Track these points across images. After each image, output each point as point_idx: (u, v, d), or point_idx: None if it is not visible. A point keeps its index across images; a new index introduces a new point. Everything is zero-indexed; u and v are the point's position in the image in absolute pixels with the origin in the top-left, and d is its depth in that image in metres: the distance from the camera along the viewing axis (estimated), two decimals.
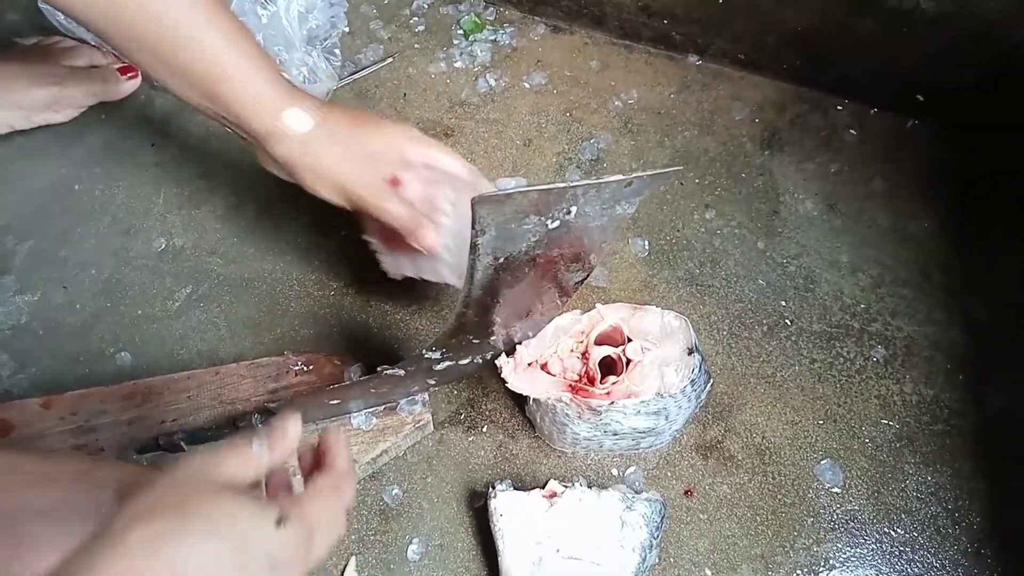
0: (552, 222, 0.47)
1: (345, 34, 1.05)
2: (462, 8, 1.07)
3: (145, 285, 0.87)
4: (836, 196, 0.93)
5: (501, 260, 0.50)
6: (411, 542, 0.74)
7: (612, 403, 0.67)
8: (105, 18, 0.61)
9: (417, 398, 0.75)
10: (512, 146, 0.96)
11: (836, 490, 0.77)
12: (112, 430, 0.74)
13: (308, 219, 0.91)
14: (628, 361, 0.69)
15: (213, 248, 0.90)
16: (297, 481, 0.56)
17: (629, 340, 0.70)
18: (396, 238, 0.70)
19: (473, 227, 0.44)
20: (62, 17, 0.96)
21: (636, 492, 0.71)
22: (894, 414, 0.80)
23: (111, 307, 0.86)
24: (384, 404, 0.75)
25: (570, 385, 0.69)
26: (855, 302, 0.86)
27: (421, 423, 0.75)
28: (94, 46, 0.98)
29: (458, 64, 1.03)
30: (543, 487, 0.71)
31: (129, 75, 0.97)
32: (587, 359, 0.70)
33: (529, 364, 0.70)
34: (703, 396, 0.71)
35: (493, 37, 1.04)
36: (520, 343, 0.70)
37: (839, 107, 1.00)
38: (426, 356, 0.62)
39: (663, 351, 0.69)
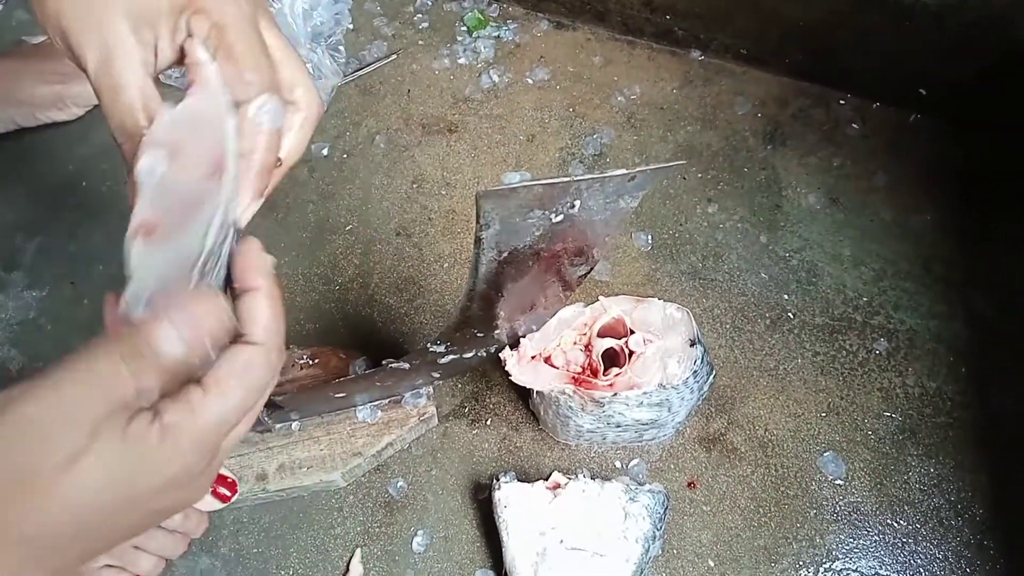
0: (556, 216, 0.47)
1: (349, 31, 1.06)
2: (465, 5, 1.07)
3: None
4: (838, 190, 0.93)
5: (505, 254, 0.50)
6: (416, 534, 0.75)
7: (615, 394, 0.67)
8: None
9: (422, 391, 0.76)
10: (515, 141, 0.96)
11: (839, 482, 0.77)
12: None
13: (313, 214, 0.91)
14: (631, 353, 0.69)
15: None
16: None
17: (632, 332, 0.70)
18: None
19: (478, 221, 0.44)
20: None
21: (639, 484, 0.72)
22: (896, 406, 0.81)
23: None
24: (389, 397, 0.76)
25: (573, 377, 0.69)
26: (857, 295, 0.87)
27: (426, 416, 0.76)
28: None
29: (462, 60, 1.04)
30: (547, 479, 0.71)
31: None
32: (590, 351, 0.70)
33: (533, 357, 0.70)
34: (706, 388, 0.72)
35: (496, 33, 1.05)
36: (524, 336, 0.70)
37: (841, 101, 1.00)
38: (430, 350, 0.63)
39: (665, 343, 0.70)
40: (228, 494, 0.69)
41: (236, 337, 0.39)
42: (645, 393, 0.67)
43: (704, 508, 0.76)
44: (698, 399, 0.73)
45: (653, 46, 1.04)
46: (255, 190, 0.44)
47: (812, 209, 0.92)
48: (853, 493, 0.77)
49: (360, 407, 0.75)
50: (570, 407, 0.70)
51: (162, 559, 0.69)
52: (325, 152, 0.97)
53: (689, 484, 0.77)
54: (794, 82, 1.01)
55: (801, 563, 0.74)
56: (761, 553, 0.74)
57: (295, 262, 0.89)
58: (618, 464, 0.78)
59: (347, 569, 0.73)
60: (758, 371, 0.83)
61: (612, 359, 0.71)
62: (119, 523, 0.36)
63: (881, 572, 0.73)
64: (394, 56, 1.04)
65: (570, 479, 0.70)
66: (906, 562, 0.74)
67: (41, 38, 0.99)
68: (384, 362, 0.65)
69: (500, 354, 0.70)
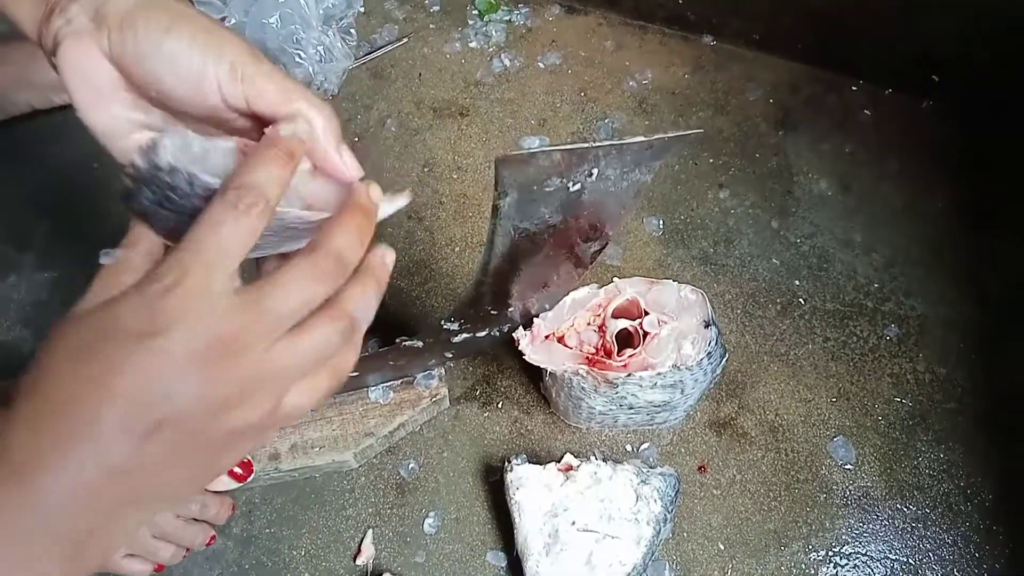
0: (573, 185, 0.47)
1: (361, 14, 1.06)
2: None
3: None
4: (850, 176, 0.93)
5: (522, 225, 0.50)
6: (427, 515, 0.75)
7: (629, 375, 0.67)
8: None
9: (434, 373, 0.76)
10: (527, 126, 0.96)
11: (849, 467, 0.77)
12: None
13: None
14: (645, 334, 0.69)
15: None
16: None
17: (646, 313, 0.70)
18: None
19: (496, 188, 0.44)
20: None
21: (651, 467, 0.72)
22: (907, 392, 0.81)
23: None
24: (401, 378, 0.76)
25: (587, 358, 0.69)
26: (868, 281, 0.87)
27: (438, 397, 0.76)
28: None
29: (473, 44, 1.04)
30: (559, 461, 0.71)
31: None
32: (604, 332, 0.70)
33: (546, 337, 0.71)
34: (718, 370, 0.72)
35: (508, 17, 1.05)
36: (536, 316, 0.71)
37: (853, 88, 1.00)
38: (444, 327, 0.63)
39: (680, 324, 0.70)
40: (243, 473, 0.69)
41: None
42: (659, 374, 0.67)
43: (714, 492, 0.76)
44: (711, 382, 0.73)
45: (665, 31, 1.04)
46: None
47: (823, 195, 0.92)
48: (863, 478, 0.77)
49: (372, 388, 0.75)
50: (583, 388, 0.70)
51: (182, 548, 0.69)
52: None
53: (699, 468, 0.77)
54: (806, 68, 1.01)
55: (811, 547, 0.74)
56: (771, 537, 0.74)
57: None
58: (629, 448, 0.78)
59: (359, 550, 0.73)
60: (769, 356, 0.83)
61: (626, 340, 0.71)
62: (196, 417, 0.34)
63: (890, 556, 0.74)
64: (405, 40, 1.04)
65: (582, 461, 0.71)
66: (915, 547, 0.74)
67: None
68: (397, 340, 0.65)
69: (513, 333, 0.70)
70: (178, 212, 0.36)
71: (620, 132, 0.96)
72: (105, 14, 0.41)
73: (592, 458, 0.71)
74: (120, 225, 0.91)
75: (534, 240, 0.53)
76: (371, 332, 0.80)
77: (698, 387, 0.71)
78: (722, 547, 0.74)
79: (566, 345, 0.70)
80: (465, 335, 0.66)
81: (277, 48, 0.94)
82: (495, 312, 0.65)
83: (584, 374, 0.69)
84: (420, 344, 0.65)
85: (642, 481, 0.69)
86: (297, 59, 0.95)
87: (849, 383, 0.81)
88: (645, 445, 0.78)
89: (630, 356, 0.69)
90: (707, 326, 0.70)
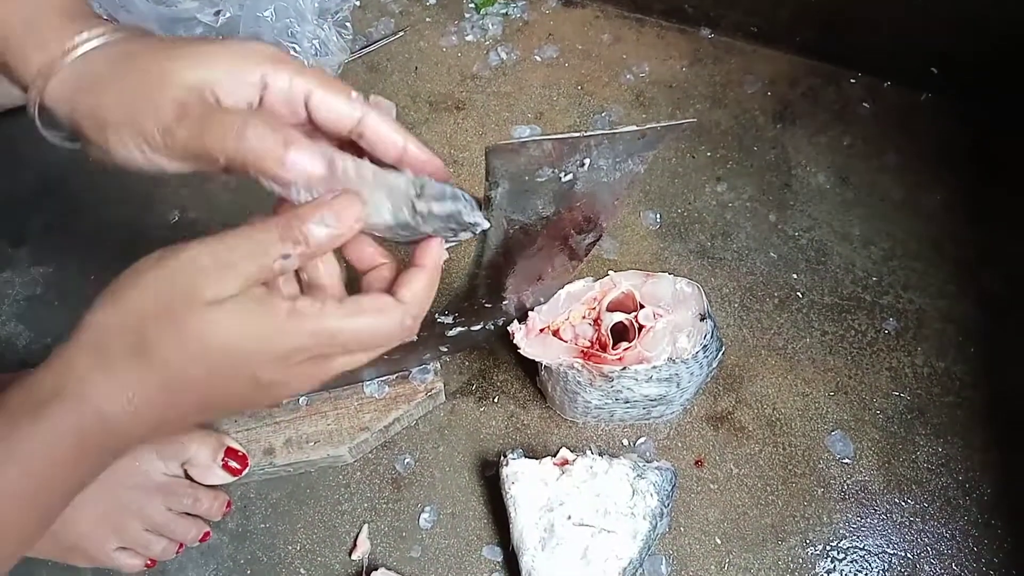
0: (565, 175, 0.47)
1: (356, 7, 1.05)
2: None
3: None
4: (848, 169, 0.93)
5: (514, 216, 0.50)
6: (423, 510, 0.75)
7: (624, 368, 0.67)
8: None
9: (429, 367, 0.76)
10: (523, 119, 0.95)
11: (847, 461, 0.77)
12: None
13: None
14: (640, 327, 0.69)
15: (225, 221, 0.89)
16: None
17: (641, 306, 0.70)
18: None
19: (487, 179, 0.44)
20: None
21: (647, 461, 0.72)
22: (905, 386, 0.80)
23: None
24: (396, 373, 0.76)
25: (582, 351, 0.69)
26: (867, 275, 0.86)
27: (433, 392, 0.76)
28: (106, 19, 0.97)
29: (469, 37, 1.03)
30: (554, 456, 0.71)
31: None
32: (599, 325, 0.70)
33: (541, 330, 0.70)
34: (715, 364, 0.71)
35: (504, 10, 1.04)
36: (531, 309, 0.70)
37: (852, 80, 0.99)
38: (438, 320, 0.63)
39: (675, 317, 0.69)
40: (238, 467, 0.69)
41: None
42: (654, 367, 0.67)
43: (711, 486, 0.76)
44: (707, 375, 0.72)
45: (662, 24, 1.03)
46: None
47: (822, 188, 0.92)
48: (861, 472, 0.76)
49: (367, 382, 0.75)
50: (578, 382, 0.70)
51: (174, 543, 0.69)
52: None
53: (696, 462, 0.77)
54: (804, 61, 1.00)
55: (808, 541, 0.73)
56: (768, 531, 0.74)
57: None
58: (625, 442, 0.78)
59: (354, 545, 0.73)
60: (766, 350, 0.82)
61: (621, 334, 0.71)
62: (229, 380, 0.40)
63: (888, 551, 0.73)
64: (401, 33, 1.04)
65: (578, 456, 0.70)
66: (913, 541, 0.74)
67: None
68: None
69: (508, 327, 0.70)
70: None
71: (617, 125, 0.96)
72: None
73: (588, 452, 0.71)
74: (113, 220, 0.90)
75: (527, 232, 0.53)
76: None
77: (694, 381, 0.71)
78: (719, 541, 0.74)
79: (561, 339, 0.70)
80: (460, 329, 0.66)
81: (272, 42, 0.94)
82: (490, 305, 0.64)
83: (579, 368, 0.68)
84: (415, 338, 0.65)
85: (638, 475, 0.69)
86: (292, 53, 0.94)
87: (847, 377, 0.81)
88: (642, 439, 0.77)
89: (625, 349, 0.68)
90: (703, 319, 0.69)
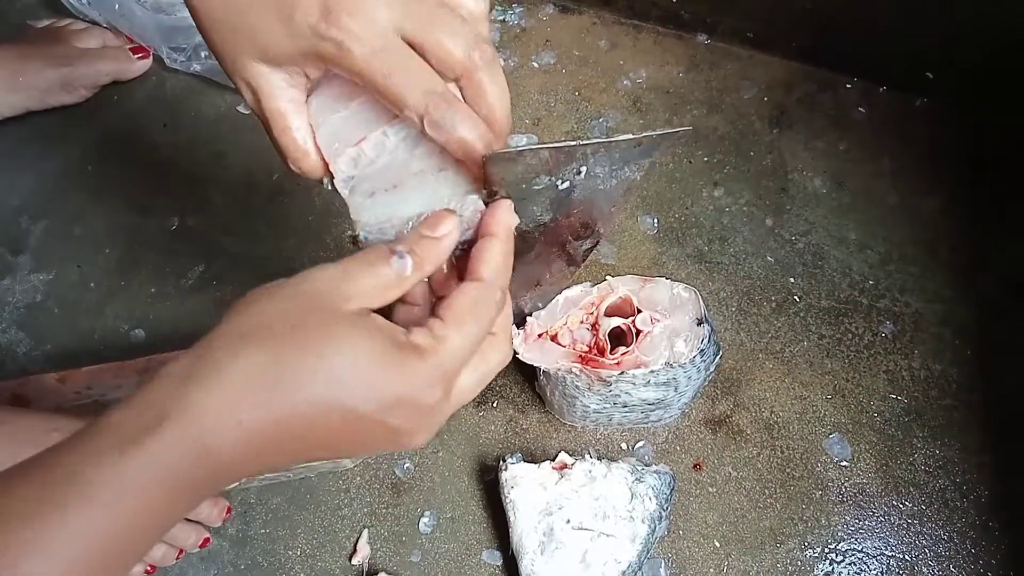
0: (563, 183, 0.47)
1: None
2: None
3: (158, 264, 0.88)
4: (844, 174, 0.93)
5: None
6: (423, 515, 0.75)
7: (622, 373, 0.67)
8: None
9: None
10: (521, 125, 0.96)
11: (844, 464, 0.77)
12: None
13: (319, 198, 0.91)
14: (638, 332, 0.69)
15: (225, 227, 0.90)
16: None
17: (639, 311, 0.70)
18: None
19: (484, 187, 0.44)
20: None
21: (645, 465, 0.72)
22: (902, 389, 0.81)
23: (125, 285, 0.87)
24: None
25: (580, 356, 0.69)
26: (863, 278, 0.87)
27: None
28: (106, 27, 0.98)
29: None
30: (553, 460, 0.71)
31: (140, 55, 0.97)
32: (597, 330, 0.70)
33: (539, 335, 0.71)
34: (712, 368, 0.72)
35: (502, 17, 1.05)
36: (529, 314, 0.71)
37: (848, 86, 1.00)
38: None
39: (673, 322, 0.70)
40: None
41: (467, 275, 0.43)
42: (652, 372, 0.67)
43: (710, 489, 0.76)
44: (705, 379, 0.73)
45: (659, 30, 1.04)
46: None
47: (818, 193, 0.92)
48: (859, 475, 0.77)
49: None
50: (577, 386, 0.70)
51: (174, 548, 0.69)
52: None
53: (695, 466, 0.77)
54: (800, 66, 1.01)
55: (807, 544, 0.74)
56: (767, 534, 0.74)
57: (300, 246, 0.89)
58: (624, 446, 0.78)
59: (354, 550, 0.73)
60: (764, 353, 0.83)
61: (619, 339, 0.71)
62: (339, 420, 0.38)
63: (886, 553, 0.73)
64: None
65: (576, 460, 0.71)
66: (911, 543, 0.74)
67: (46, 22, 0.99)
68: None
69: None
70: None
71: (614, 131, 0.96)
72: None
73: (587, 456, 0.71)
74: (113, 227, 0.91)
75: (525, 238, 0.53)
76: None
77: (692, 385, 0.71)
78: (718, 544, 0.74)
79: (559, 343, 0.70)
80: None
81: None
82: None
83: (577, 372, 0.69)
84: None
85: (637, 479, 0.69)
86: None
87: (844, 380, 0.81)
88: (640, 443, 0.78)
89: (623, 354, 0.69)
90: (700, 324, 0.70)
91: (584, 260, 0.65)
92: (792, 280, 0.87)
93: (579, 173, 0.47)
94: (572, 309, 0.72)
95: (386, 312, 0.42)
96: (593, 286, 0.73)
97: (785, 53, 1.01)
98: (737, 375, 0.81)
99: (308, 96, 0.47)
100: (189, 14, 0.45)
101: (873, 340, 0.83)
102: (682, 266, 0.87)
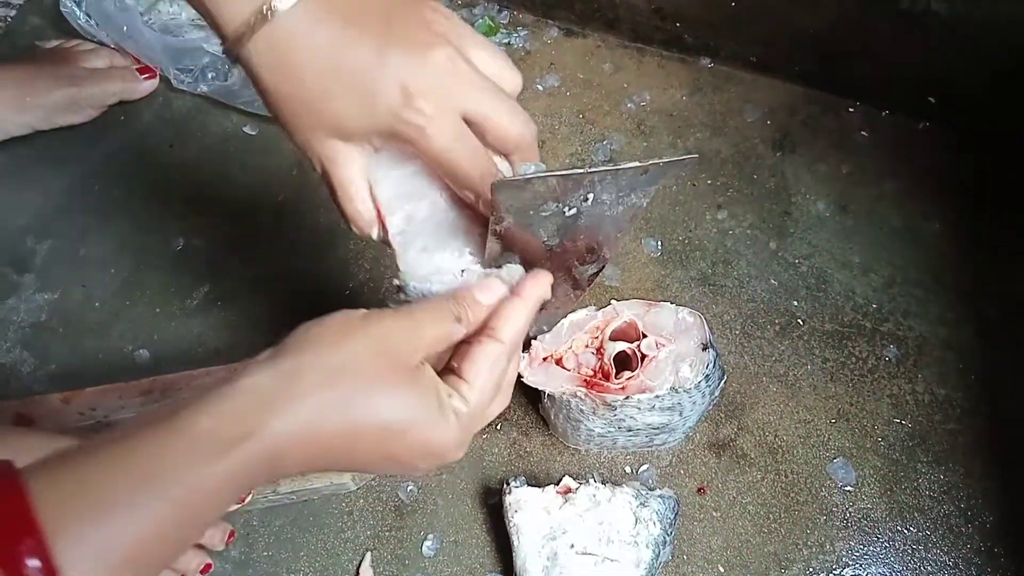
0: (569, 210, 0.48)
1: None
2: (476, 12, 1.08)
3: (163, 284, 0.88)
4: (848, 197, 0.94)
5: (518, 248, 0.50)
6: (426, 538, 0.75)
7: (627, 397, 0.67)
8: None
9: None
10: None
11: (849, 488, 0.77)
12: None
13: (324, 218, 0.92)
14: (643, 356, 0.69)
15: (230, 247, 0.91)
16: None
17: (644, 336, 0.71)
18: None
19: (492, 214, 0.45)
20: (83, 20, 0.97)
21: (650, 489, 0.72)
22: (906, 413, 0.81)
23: (130, 305, 0.87)
24: None
25: (585, 380, 0.69)
26: (867, 302, 0.87)
27: None
28: (113, 48, 0.99)
29: None
30: (557, 484, 0.71)
31: (147, 75, 0.98)
32: (602, 354, 0.70)
33: (544, 359, 0.71)
34: (717, 392, 0.72)
35: (507, 40, 1.05)
36: (535, 338, 0.71)
37: (851, 109, 1.00)
38: None
39: (678, 347, 0.70)
40: (243, 495, 0.69)
41: (484, 329, 0.47)
42: (657, 396, 0.67)
43: (714, 514, 0.76)
44: (709, 403, 0.73)
45: (663, 53, 1.05)
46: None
47: (821, 216, 0.92)
48: (863, 500, 0.77)
49: None
50: (581, 410, 0.70)
51: (176, 573, 0.69)
52: None
53: (699, 490, 0.77)
54: (803, 90, 1.01)
55: (811, 569, 0.73)
56: (771, 559, 0.74)
57: (305, 265, 0.89)
58: (628, 469, 0.78)
59: (357, 573, 0.73)
60: (768, 377, 0.83)
61: (624, 363, 0.71)
62: (381, 459, 0.43)
63: None
64: None
65: (580, 484, 0.70)
66: (916, 569, 0.74)
67: (54, 43, 1.00)
68: None
69: None
70: None
71: (618, 154, 0.97)
72: None
73: (591, 480, 0.71)
74: (118, 247, 0.91)
75: (531, 264, 0.53)
76: None
77: (696, 409, 0.71)
78: (722, 570, 0.74)
79: (564, 367, 0.70)
80: None
81: None
82: None
83: (582, 396, 0.69)
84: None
85: (641, 503, 0.69)
86: None
87: (848, 404, 0.81)
88: (645, 467, 0.77)
89: (628, 378, 0.69)
90: (705, 348, 0.70)
91: (589, 284, 0.65)
92: (796, 303, 0.87)
93: (586, 200, 0.47)
94: (577, 333, 0.72)
95: None
96: (598, 310, 0.73)
97: (788, 77, 1.02)
98: (741, 398, 0.81)
99: None
100: (225, 56, 0.47)
101: (877, 364, 0.83)
102: (686, 289, 0.88)
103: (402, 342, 0.43)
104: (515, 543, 0.68)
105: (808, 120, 0.99)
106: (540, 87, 1.02)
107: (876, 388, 0.82)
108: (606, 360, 0.70)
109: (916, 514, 0.76)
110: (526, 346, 0.71)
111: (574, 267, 0.59)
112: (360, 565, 0.74)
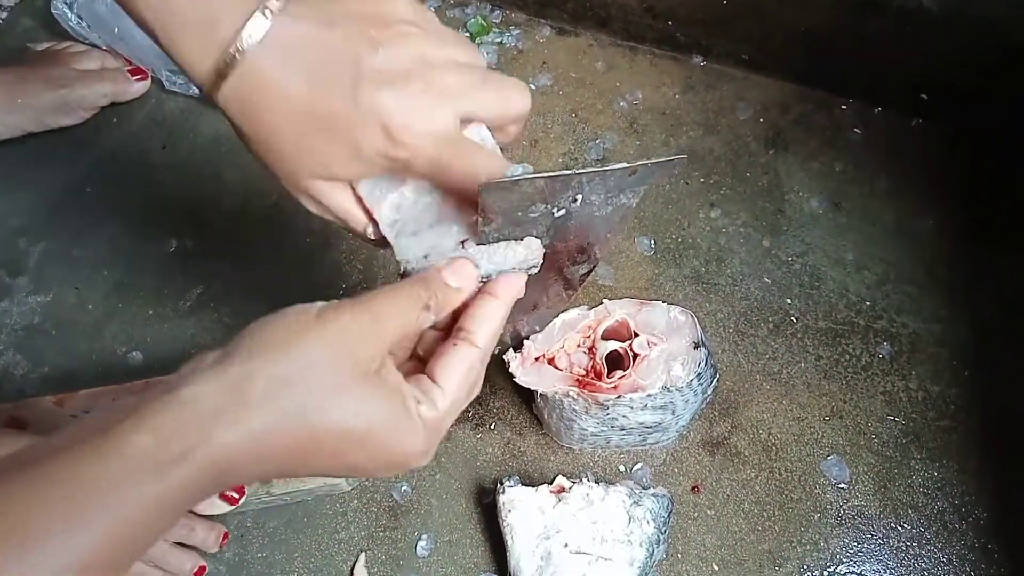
0: (558, 211, 0.48)
1: None
2: (468, 11, 1.08)
3: (156, 286, 0.88)
4: (841, 194, 0.94)
5: None
6: (420, 538, 0.75)
7: (619, 397, 0.67)
8: None
9: None
10: (518, 147, 0.97)
11: (843, 486, 0.77)
12: None
13: (317, 220, 0.91)
14: (635, 356, 0.70)
15: (223, 249, 0.90)
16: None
17: (636, 335, 0.71)
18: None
19: (480, 215, 0.45)
20: (74, 22, 0.97)
21: (643, 488, 0.72)
22: (900, 410, 0.81)
23: (123, 307, 0.87)
24: None
25: (577, 380, 0.69)
26: (860, 299, 0.87)
27: None
28: (105, 50, 0.99)
29: None
30: (551, 483, 0.71)
31: (139, 77, 0.98)
32: (594, 354, 0.71)
33: (536, 359, 0.71)
34: (709, 391, 0.72)
35: (499, 39, 1.05)
36: (527, 337, 0.71)
37: (843, 106, 1.00)
38: None
39: (669, 346, 0.70)
40: (236, 496, 0.69)
41: (458, 331, 0.46)
42: (649, 395, 0.68)
43: (708, 512, 0.76)
44: (702, 402, 0.73)
45: (655, 52, 1.05)
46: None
47: (814, 213, 0.92)
48: (857, 497, 0.77)
49: None
50: (574, 410, 0.70)
51: (169, 575, 0.69)
52: None
53: (693, 488, 0.77)
54: (796, 87, 1.01)
55: (805, 567, 0.74)
56: (765, 557, 0.74)
57: (299, 267, 0.89)
58: (622, 468, 0.78)
59: (351, 573, 0.73)
60: (761, 375, 0.83)
61: (616, 362, 0.71)
62: (329, 460, 0.40)
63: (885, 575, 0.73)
64: None
65: (574, 483, 0.70)
66: (910, 566, 0.74)
67: (46, 45, 1.00)
68: None
69: (503, 356, 0.70)
70: None
71: (611, 152, 0.97)
72: None
73: (584, 480, 0.71)
74: (111, 249, 0.91)
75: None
76: None
77: (689, 408, 0.71)
78: (716, 568, 0.74)
79: (556, 367, 0.70)
80: None
81: None
82: None
83: (575, 396, 0.69)
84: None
85: (635, 502, 0.69)
86: None
87: (842, 401, 0.81)
88: (638, 465, 0.77)
89: (620, 378, 0.69)
90: (697, 347, 0.70)
91: (581, 284, 0.65)
92: (789, 301, 0.87)
93: (575, 201, 0.47)
94: (569, 332, 0.72)
95: None
96: (590, 309, 0.73)
97: (780, 74, 1.02)
98: (735, 396, 0.81)
99: None
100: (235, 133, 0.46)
101: (870, 361, 0.83)
102: (679, 287, 0.88)
103: (361, 343, 0.40)
104: (509, 543, 0.69)
105: (801, 118, 0.99)
106: (533, 86, 1.02)
107: (870, 385, 0.82)
108: (598, 359, 0.70)
109: (910, 511, 0.76)
110: (518, 346, 0.71)
111: (565, 267, 0.59)
112: (354, 566, 0.74)
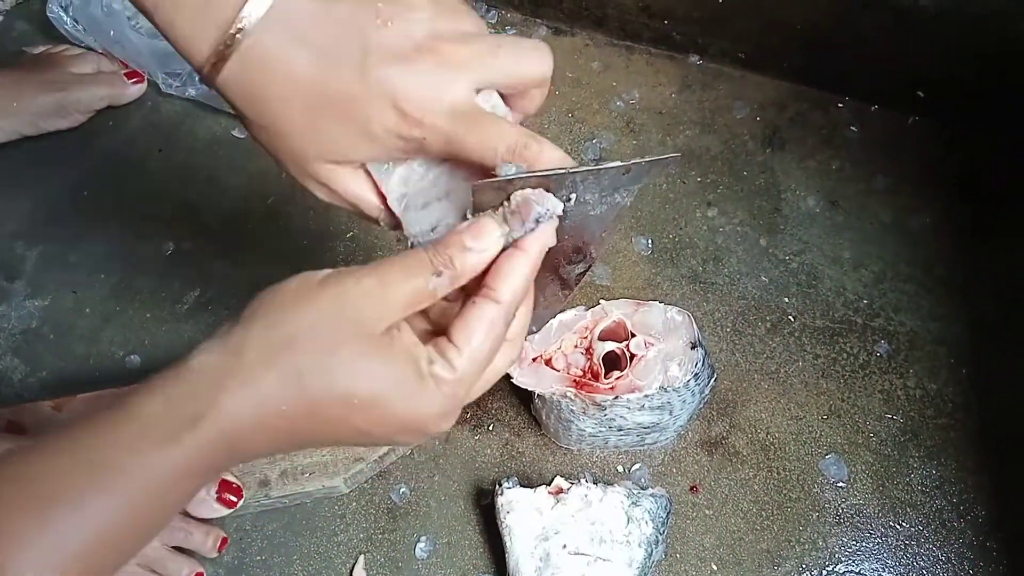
0: None
1: None
2: None
3: (154, 289, 0.88)
4: (838, 193, 0.94)
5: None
6: (419, 540, 0.75)
7: (616, 397, 0.67)
8: None
9: None
10: None
11: (841, 485, 0.77)
12: None
13: (314, 221, 0.91)
14: (632, 356, 0.70)
15: (220, 252, 0.90)
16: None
17: (632, 335, 0.71)
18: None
19: (473, 215, 0.45)
20: (70, 25, 0.97)
21: (642, 488, 0.72)
22: (898, 408, 0.81)
23: (120, 311, 0.87)
24: None
25: (575, 380, 0.69)
26: (858, 298, 0.87)
27: None
28: (101, 53, 0.99)
29: None
30: (549, 484, 0.71)
31: (135, 80, 0.98)
32: (591, 354, 0.71)
33: (534, 359, 0.71)
34: (707, 391, 0.72)
35: None
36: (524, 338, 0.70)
37: (839, 105, 1.00)
38: None
39: (666, 346, 0.70)
40: (234, 499, 0.69)
41: (479, 289, 0.42)
42: (646, 396, 0.68)
43: (706, 512, 0.76)
44: (699, 402, 0.73)
45: (651, 51, 1.05)
46: None
47: (811, 212, 0.92)
48: (855, 496, 0.77)
49: None
50: (572, 411, 0.70)
51: None
52: None
53: (691, 488, 0.77)
54: (792, 86, 1.01)
55: (804, 566, 0.74)
56: (764, 556, 0.74)
57: (296, 268, 0.88)
58: (620, 468, 0.78)
59: None
60: (759, 374, 0.83)
61: (613, 363, 0.71)
62: (351, 433, 0.40)
63: (884, 575, 0.73)
64: None
65: (572, 484, 0.70)
66: (909, 564, 0.74)
67: (41, 48, 0.99)
68: None
69: None
70: None
71: (608, 152, 0.97)
72: None
73: (582, 481, 0.71)
74: (109, 253, 0.91)
75: None
76: None
77: (687, 408, 0.71)
78: (715, 568, 0.74)
79: (554, 368, 0.70)
80: None
81: None
82: None
83: (572, 397, 0.69)
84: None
85: (633, 503, 0.69)
86: None
87: (840, 400, 0.81)
88: (637, 466, 0.77)
89: (617, 378, 0.69)
90: (694, 347, 0.70)
91: (577, 283, 0.65)
92: (786, 300, 0.87)
93: (569, 200, 0.47)
94: (566, 333, 0.72)
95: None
96: (587, 310, 0.73)
97: (777, 73, 1.02)
98: (733, 396, 0.81)
99: None
100: (241, 124, 0.45)
101: (868, 360, 0.83)
102: (676, 287, 0.88)
103: (366, 304, 0.39)
104: (507, 544, 0.68)
105: (797, 116, 0.99)
106: None
107: (867, 384, 0.82)
108: (595, 360, 0.70)
109: (908, 509, 0.76)
110: None
111: (561, 267, 0.59)
112: (353, 568, 0.74)
